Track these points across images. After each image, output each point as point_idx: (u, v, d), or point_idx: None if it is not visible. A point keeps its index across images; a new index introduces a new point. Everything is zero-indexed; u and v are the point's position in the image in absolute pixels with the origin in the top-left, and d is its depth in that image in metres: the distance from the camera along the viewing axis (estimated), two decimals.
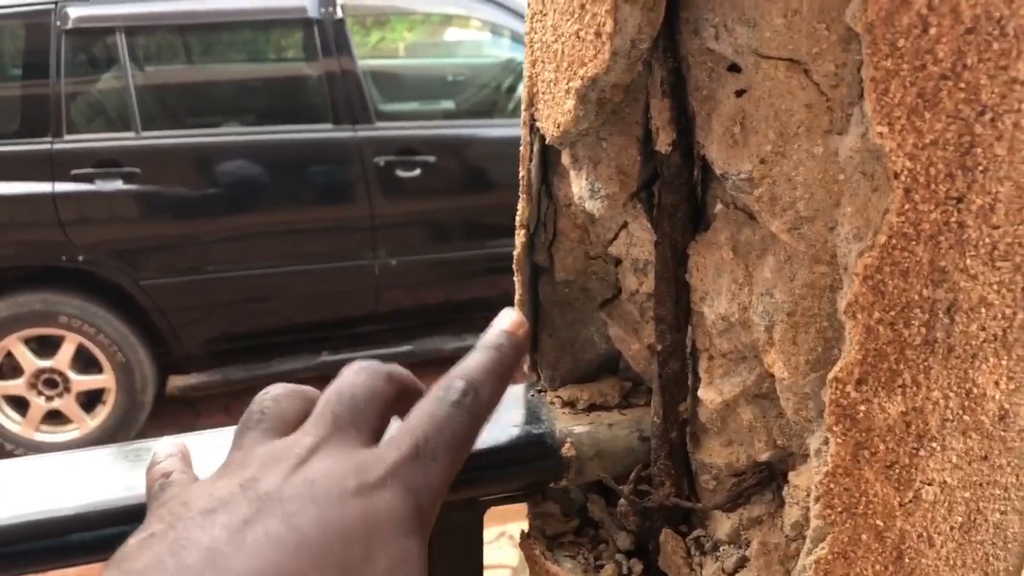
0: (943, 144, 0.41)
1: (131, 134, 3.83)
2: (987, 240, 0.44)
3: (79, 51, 3.86)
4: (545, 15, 0.50)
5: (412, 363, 4.43)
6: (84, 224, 3.82)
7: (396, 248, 4.08)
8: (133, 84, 3.83)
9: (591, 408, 0.63)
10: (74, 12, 3.75)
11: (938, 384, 0.46)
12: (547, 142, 0.52)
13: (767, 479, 0.54)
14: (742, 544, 0.55)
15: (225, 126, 4.14)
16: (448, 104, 4.89)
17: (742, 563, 0.55)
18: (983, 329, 0.46)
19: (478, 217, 4.18)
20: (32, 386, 3.89)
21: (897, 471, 0.48)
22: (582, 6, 0.45)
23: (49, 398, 3.92)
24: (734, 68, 0.44)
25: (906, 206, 0.42)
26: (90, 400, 3.97)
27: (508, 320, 0.46)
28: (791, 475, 0.52)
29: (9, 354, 3.83)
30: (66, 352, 3.85)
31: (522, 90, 0.54)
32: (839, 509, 0.48)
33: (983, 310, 0.45)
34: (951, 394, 0.47)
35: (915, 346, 0.45)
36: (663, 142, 0.48)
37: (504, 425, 0.60)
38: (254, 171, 3.96)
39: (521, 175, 0.57)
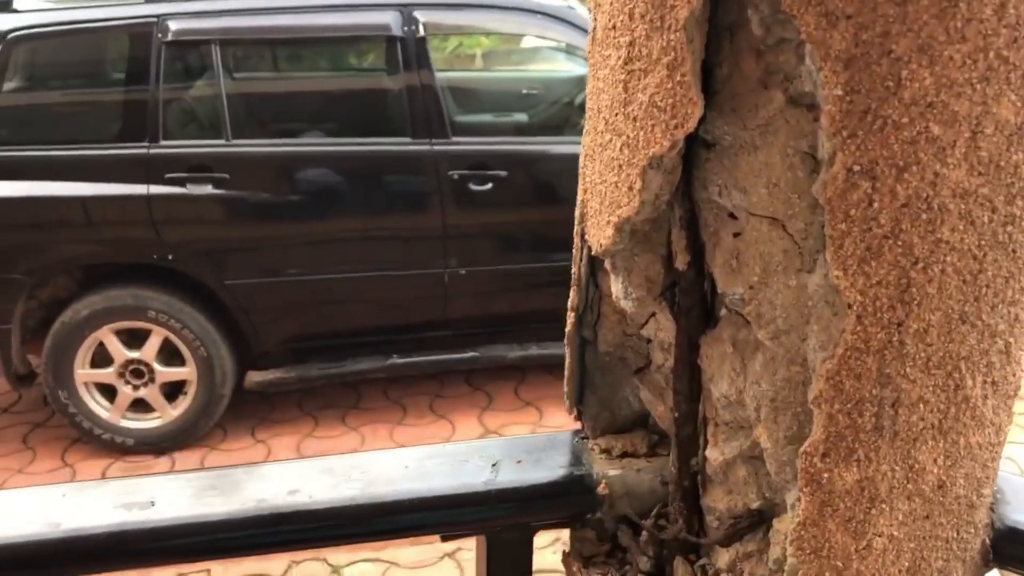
0: (886, 284, 0.55)
1: (222, 141, 4.04)
2: (923, 354, 0.58)
3: (176, 61, 4.09)
4: (594, 160, 0.65)
5: (476, 369, 4.60)
6: (175, 225, 4.04)
7: (466, 258, 4.22)
8: (225, 94, 4.04)
9: (623, 455, 0.78)
10: (174, 25, 3.98)
11: (886, 460, 0.60)
12: (592, 254, 0.67)
13: (757, 522, 0.68)
14: (737, 573, 0.70)
15: (309, 135, 4.34)
16: (521, 117, 5.04)
17: None
18: (922, 420, 0.60)
19: (546, 231, 4.30)
20: (120, 375, 4.13)
21: (854, 525, 0.62)
22: (619, 166, 0.59)
23: (135, 387, 4.15)
24: (732, 215, 0.59)
25: (858, 328, 0.56)
26: (172, 391, 4.20)
27: None
28: (775, 521, 0.66)
29: (101, 344, 4.08)
30: (153, 345, 4.08)
31: (576, 210, 0.70)
32: (808, 551, 0.62)
33: (922, 406, 0.59)
34: (897, 468, 0.61)
35: (867, 431, 0.59)
36: (681, 262, 0.63)
37: (553, 466, 0.75)
38: (335, 180, 4.15)
39: (573, 271, 0.72)
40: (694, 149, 0.60)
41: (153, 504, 0.70)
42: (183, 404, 4.19)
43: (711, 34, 0.55)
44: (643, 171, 0.57)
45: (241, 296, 4.11)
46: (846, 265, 0.55)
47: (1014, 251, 0.57)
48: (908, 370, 0.58)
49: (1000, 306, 0.58)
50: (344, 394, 4.64)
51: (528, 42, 5.83)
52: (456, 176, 4.11)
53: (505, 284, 4.36)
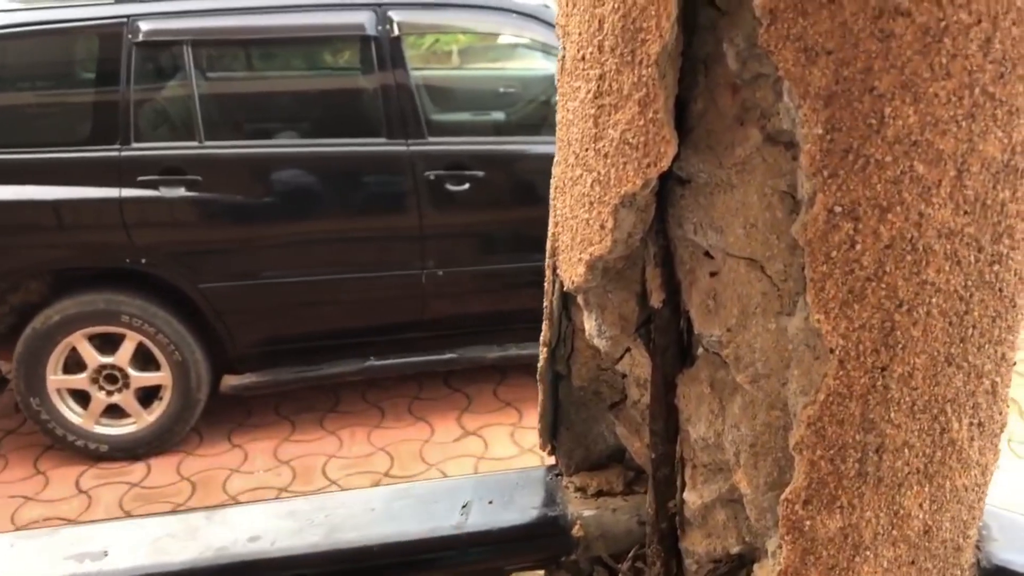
0: (869, 328, 0.53)
1: (194, 143, 3.99)
2: (908, 398, 0.55)
3: (148, 62, 4.03)
4: (564, 193, 0.62)
5: (455, 370, 4.57)
6: (148, 228, 3.98)
7: (443, 259, 4.18)
8: (198, 95, 3.98)
9: (599, 494, 0.75)
10: (145, 26, 3.91)
11: (870, 506, 0.58)
12: (564, 289, 0.65)
13: (737, 567, 0.66)
14: None
15: (283, 136, 4.29)
16: (499, 116, 5.00)
17: None
18: (907, 464, 0.57)
19: (524, 231, 4.27)
20: (94, 381, 4.07)
21: (837, 573, 0.59)
22: (591, 203, 0.57)
23: (109, 393, 4.09)
24: (708, 254, 0.56)
25: (840, 372, 0.54)
26: (147, 396, 4.14)
27: None
28: (755, 567, 0.64)
29: (73, 350, 4.02)
30: (126, 350, 4.02)
31: (547, 242, 0.67)
32: None
33: (907, 451, 0.57)
34: (881, 514, 0.58)
35: (850, 477, 0.57)
36: (656, 300, 0.60)
37: (525, 507, 0.73)
38: (310, 181, 4.10)
39: (545, 305, 0.69)
40: (668, 185, 0.57)
41: (106, 554, 0.66)
42: (158, 409, 4.13)
43: (685, 67, 0.52)
44: (615, 209, 0.55)
45: (216, 299, 4.06)
46: (828, 308, 0.52)
47: (1000, 290, 0.55)
48: (892, 415, 0.55)
49: (987, 346, 0.56)
50: (322, 397, 4.60)
51: (505, 39, 5.78)
52: (433, 176, 4.07)
53: (483, 284, 4.33)
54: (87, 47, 4.14)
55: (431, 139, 4.12)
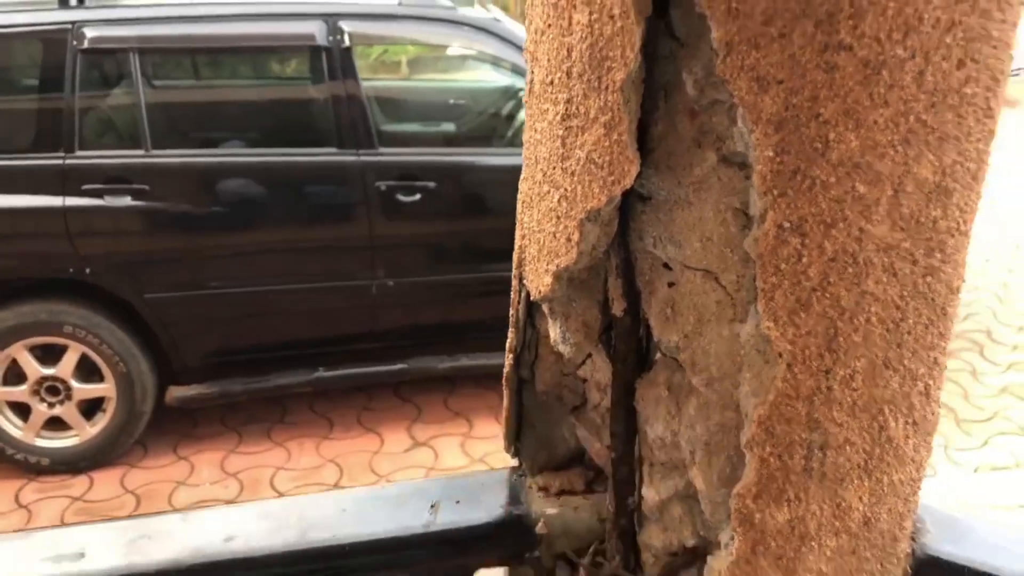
0: (814, 334, 0.58)
1: (141, 152, 3.95)
2: (849, 399, 0.60)
3: (93, 70, 3.98)
4: (531, 207, 0.66)
5: (405, 381, 4.57)
6: (92, 238, 3.93)
7: (394, 270, 4.19)
8: (144, 103, 3.95)
9: (561, 493, 0.79)
10: (90, 32, 3.87)
11: (815, 500, 0.62)
12: (531, 299, 0.69)
13: (692, 559, 0.70)
14: None
15: (231, 146, 4.26)
16: (449, 127, 5.04)
17: None
18: (849, 460, 0.62)
19: (475, 241, 4.31)
20: (35, 393, 3.99)
21: (784, 562, 0.64)
22: (557, 217, 0.61)
23: (51, 405, 4.02)
24: (667, 266, 0.61)
25: (788, 375, 0.59)
26: (91, 408, 4.08)
27: None
28: (709, 559, 0.68)
29: (14, 361, 3.94)
30: (69, 361, 3.96)
31: (514, 254, 0.71)
32: None
33: (848, 447, 0.61)
34: (825, 507, 0.63)
35: (797, 472, 0.61)
36: (617, 308, 0.64)
37: (492, 506, 0.76)
38: (259, 191, 4.09)
39: (511, 313, 0.73)
40: (630, 201, 0.61)
41: (83, 555, 0.68)
42: (102, 421, 4.07)
43: (647, 93, 0.57)
44: (581, 224, 0.59)
45: (162, 310, 4.02)
46: (777, 316, 0.57)
47: (933, 299, 0.60)
48: (835, 414, 0.60)
49: (921, 351, 0.61)
50: (269, 408, 4.57)
51: (454, 51, 5.82)
52: (384, 187, 4.08)
53: (434, 295, 4.35)
54: (30, 53, 4.07)
55: (382, 149, 4.13)
